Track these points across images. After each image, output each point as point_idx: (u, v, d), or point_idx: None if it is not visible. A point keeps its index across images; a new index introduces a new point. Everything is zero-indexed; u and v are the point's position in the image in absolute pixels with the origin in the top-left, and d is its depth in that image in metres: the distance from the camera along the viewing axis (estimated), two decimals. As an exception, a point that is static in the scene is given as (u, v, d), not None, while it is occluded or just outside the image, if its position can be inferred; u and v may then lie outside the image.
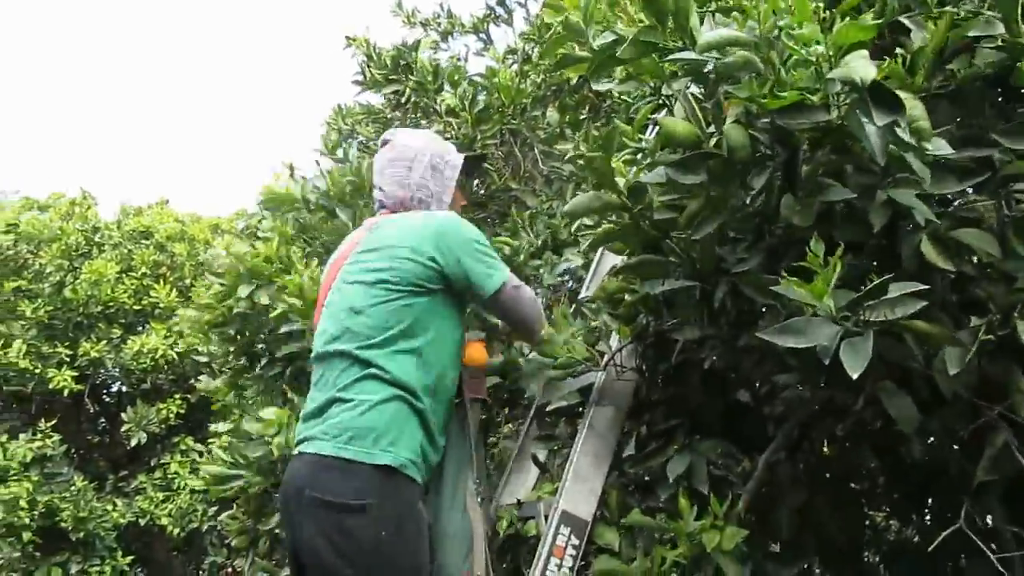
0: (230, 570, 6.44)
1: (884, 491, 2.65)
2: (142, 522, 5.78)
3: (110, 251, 6.33)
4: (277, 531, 2.96)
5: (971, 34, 1.34)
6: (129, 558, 5.79)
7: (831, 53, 1.17)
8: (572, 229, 2.79)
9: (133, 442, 5.73)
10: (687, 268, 1.67)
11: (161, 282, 6.34)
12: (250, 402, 2.94)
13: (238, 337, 3.09)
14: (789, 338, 1.20)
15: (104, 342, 5.87)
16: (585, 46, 2.09)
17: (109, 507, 5.67)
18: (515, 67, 4.05)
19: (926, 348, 1.45)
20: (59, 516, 5.40)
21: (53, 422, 5.66)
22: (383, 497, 1.70)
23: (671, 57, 1.43)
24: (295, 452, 1.83)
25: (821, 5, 1.25)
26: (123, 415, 5.92)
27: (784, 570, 1.90)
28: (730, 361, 1.77)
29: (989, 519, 2.07)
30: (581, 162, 1.59)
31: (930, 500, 2.55)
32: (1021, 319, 1.32)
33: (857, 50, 1.15)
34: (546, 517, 2.03)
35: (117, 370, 5.98)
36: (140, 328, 6.32)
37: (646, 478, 2.15)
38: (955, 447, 1.98)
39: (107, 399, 6.97)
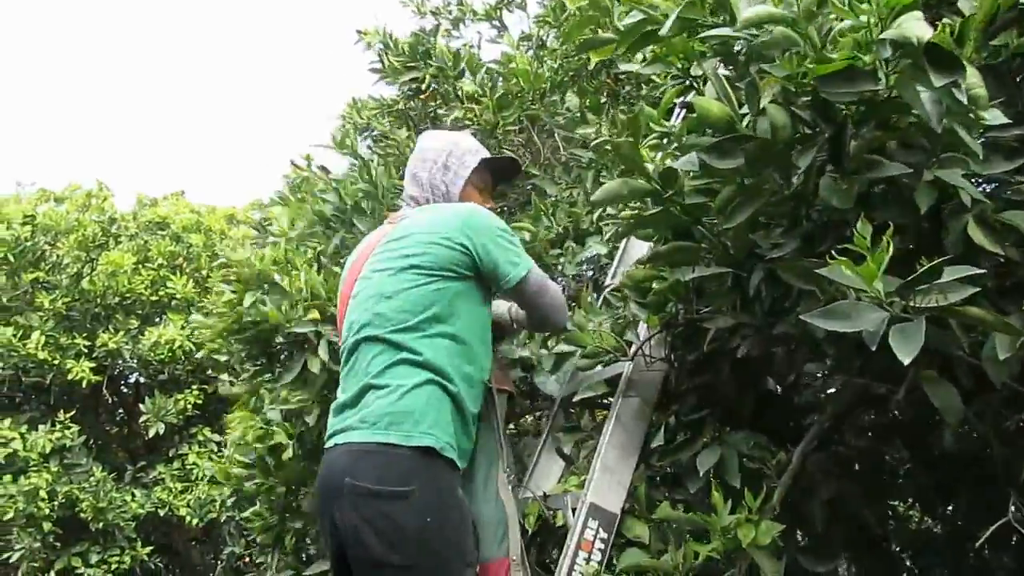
0: (247, 559, 6.46)
1: (911, 482, 2.60)
2: (161, 513, 5.79)
3: (127, 242, 6.33)
4: (307, 528, 2.93)
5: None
6: (148, 548, 5.81)
7: (882, 16, 1.10)
8: (594, 218, 2.73)
9: (151, 433, 5.73)
10: (720, 254, 1.61)
11: (178, 273, 6.34)
12: (269, 403, 2.90)
13: (254, 342, 3.04)
14: (835, 322, 1.14)
15: (122, 333, 5.87)
16: (610, 27, 2.04)
17: (128, 498, 5.68)
18: (530, 53, 3.98)
19: (973, 335, 1.40)
20: (79, 507, 5.42)
21: (72, 413, 5.67)
22: (425, 482, 1.68)
23: (706, 34, 1.38)
24: (330, 444, 1.80)
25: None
26: (141, 406, 5.92)
27: (819, 565, 1.85)
28: (763, 350, 1.71)
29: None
30: (608, 147, 1.54)
31: (958, 493, 2.50)
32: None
33: (909, 12, 1.09)
34: (573, 510, 2.00)
35: (135, 361, 5.98)
36: (157, 319, 6.33)
37: (670, 470, 2.11)
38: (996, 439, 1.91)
39: (125, 390, 6.98)
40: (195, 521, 5.82)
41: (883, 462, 2.56)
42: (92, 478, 5.51)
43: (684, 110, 2.18)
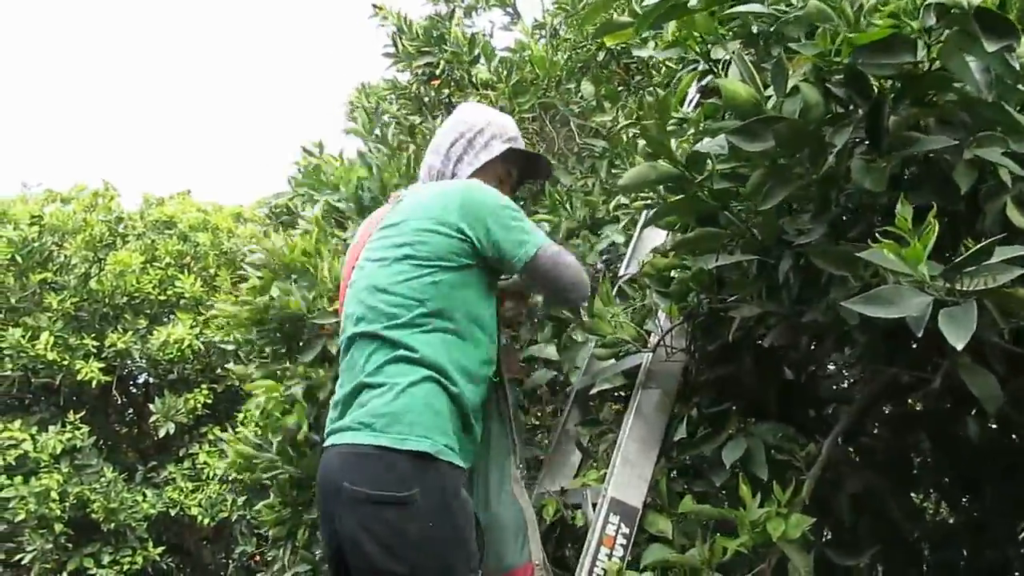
0: (258, 558, 6.45)
1: (930, 473, 2.55)
2: (172, 512, 5.77)
3: (134, 242, 6.31)
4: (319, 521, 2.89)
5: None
6: (160, 548, 5.79)
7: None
8: (611, 207, 2.69)
9: (161, 433, 5.71)
10: (746, 241, 1.56)
11: (185, 272, 6.32)
12: (286, 391, 2.85)
13: (278, 332, 2.99)
14: (878, 308, 1.09)
15: (130, 333, 5.85)
16: (628, 11, 1.99)
17: (139, 498, 5.66)
18: (543, 42, 3.94)
19: (1013, 320, 1.35)
20: (90, 507, 5.41)
21: (81, 414, 5.65)
22: (425, 486, 1.61)
23: (737, 9, 1.33)
24: (327, 443, 1.74)
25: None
26: (151, 406, 5.90)
27: (847, 558, 1.81)
28: (790, 339, 1.66)
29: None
30: (629, 134, 1.49)
31: (980, 485, 2.46)
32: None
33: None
34: (594, 505, 1.96)
35: (144, 361, 5.96)
36: (166, 318, 6.30)
37: (689, 462, 2.06)
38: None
39: (135, 390, 6.97)
40: (206, 520, 5.80)
41: (907, 454, 2.51)
42: (103, 479, 5.49)
43: (699, 95, 2.13)
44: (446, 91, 3.65)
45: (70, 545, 5.45)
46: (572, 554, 2.18)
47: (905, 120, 1.30)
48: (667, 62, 2.56)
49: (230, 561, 6.70)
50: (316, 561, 2.72)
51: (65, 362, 5.55)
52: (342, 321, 1.89)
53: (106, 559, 5.49)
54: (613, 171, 3.02)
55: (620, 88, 3.62)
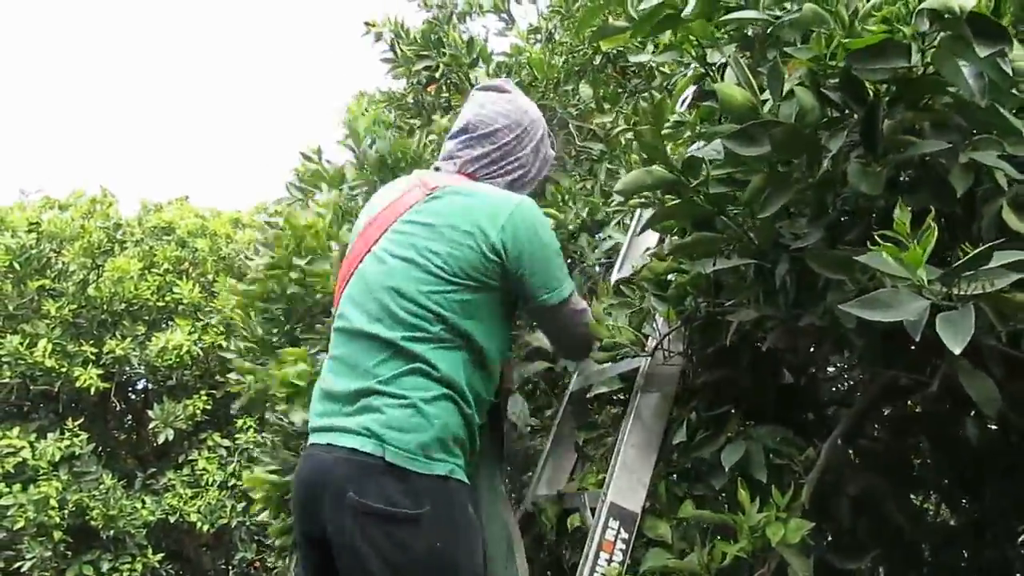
0: (257, 564, 6.44)
1: (931, 475, 2.55)
2: (172, 519, 5.77)
3: (132, 248, 6.31)
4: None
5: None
6: (160, 555, 5.78)
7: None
8: (610, 210, 2.69)
9: (160, 439, 5.71)
10: (743, 245, 1.56)
11: (184, 278, 6.31)
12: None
13: (283, 318, 2.95)
14: (875, 312, 1.09)
15: (129, 339, 5.85)
16: (623, 15, 1.99)
17: (138, 504, 5.66)
18: (539, 46, 3.94)
19: (1011, 324, 1.35)
20: (89, 515, 5.41)
21: (80, 421, 5.65)
22: (437, 505, 1.58)
23: (731, 16, 1.33)
24: (319, 440, 1.66)
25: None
26: (150, 412, 5.90)
27: (847, 562, 1.80)
28: (788, 343, 1.66)
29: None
30: (630, 135, 1.49)
31: (981, 487, 2.46)
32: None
33: (949, -19, 1.04)
34: (592, 510, 1.96)
35: (142, 367, 5.95)
36: (164, 325, 6.30)
37: (688, 466, 2.06)
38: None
39: (134, 396, 6.97)
40: (206, 527, 5.79)
41: (907, 456, 2.51)
42: (102, 486, 5.49)
43: (693, 99, 2.13)
44: (446, 94, 3.65)
45: (69, 553, 5.45)
46: (567, 560, 2.18)
47: (900, 124, 1.30)
48: (664, 66, 2.57)
49: (230, 568, 6.69)
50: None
51: (63, 369, 5.55)
52: (342, 304, 1.78)
53: (105, 566, 5.49)
54: (612, 173, 3.03)
55: (618, 91, 3.63)
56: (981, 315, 1.37)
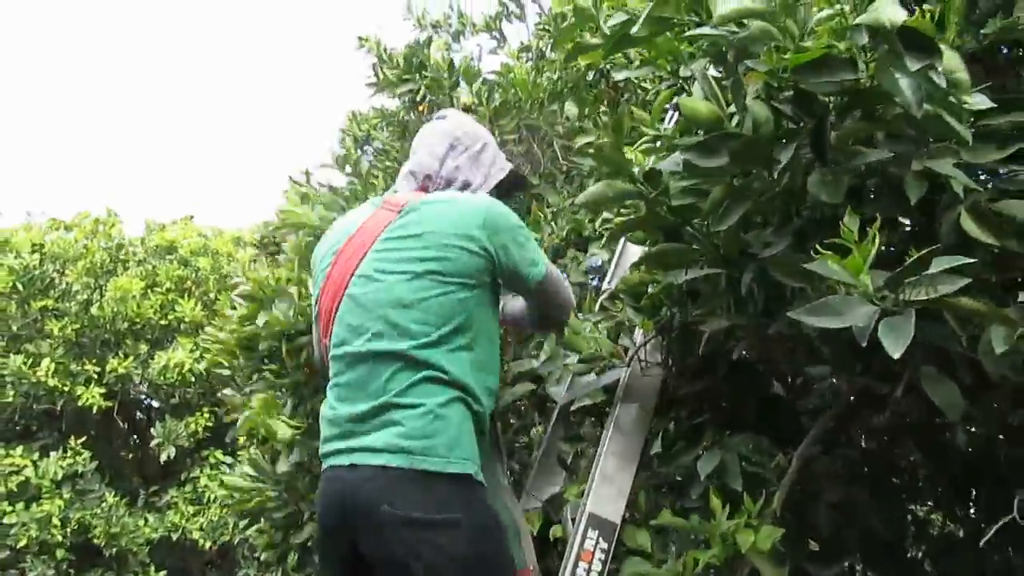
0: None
1: (928, 484, 2.55)
2: (174, 536, 5.78)
3: (135, 267, 6.37)
4: (308, 544, 2.91)
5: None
6: (162, 573, 5.80)
7: (857, 2, 1.09)
8: (596, 224, 2.72)
9: (163, 457, 5.74)
10: (711, 255, 1.58)
11: (186, 297, 6.36)
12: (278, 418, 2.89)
13: (265, 358, 3.03)
14: (824, 319, 1.11)
15: (131, 358, 5.89)
16: (598, 32, 2.03)
17: (141, 522, 5.68)
18: (530, 64, 3.99)
19: (969, 329, 1.36)
20: (92, 533, 5.43)
21: (83, 439, 5.69)
22: (467, 508, 1.60)
23: (688, 34, 1.36)
24: (340, 462, 1.66)
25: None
26: (152, 430, 5.93)
27: (825, 570, 1.81)
28: (759, 351, 1.68)
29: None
30: (591, 151, 1.52)
31: (975, 493, 2.45)
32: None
33: (885, -4, 1.07)
34: (573, 520, 1.97)
35: (145, 385, 5.99)
36: (167, 343, 6.34)
37: (678, 477, 2.07)
38: (1001, 436, 1.87)
39: (139, 415, 7.00)
40: (208, 544, 5.80)
41: (895, 465, 2.51)
42: (104, 504, 5.52)
43: (676, 112, 2.16)
44: (430, 116, 3.71)
45: (72, 571, 5.47)
46: (553, 565, 2.19)
47: (854, 134, 1.33)
48: (645, 81, 2.60)
49: (233, 585, 6.69)
50: (310, 582, 2.74)
51: (66, 388, 5.59)
52: (336, 331, 1.79)
53: (108, 584, 5.51)
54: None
55: (609, 107, 3.67)
56: (941, 322, 1.40)
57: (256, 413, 2.68)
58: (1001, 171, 1.47)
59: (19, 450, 5.42)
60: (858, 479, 2.17)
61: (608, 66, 3.67)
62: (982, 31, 1.42)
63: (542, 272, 1.81)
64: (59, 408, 5.71)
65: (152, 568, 5.70)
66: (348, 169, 3.99)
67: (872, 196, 1.52)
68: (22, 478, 5.29)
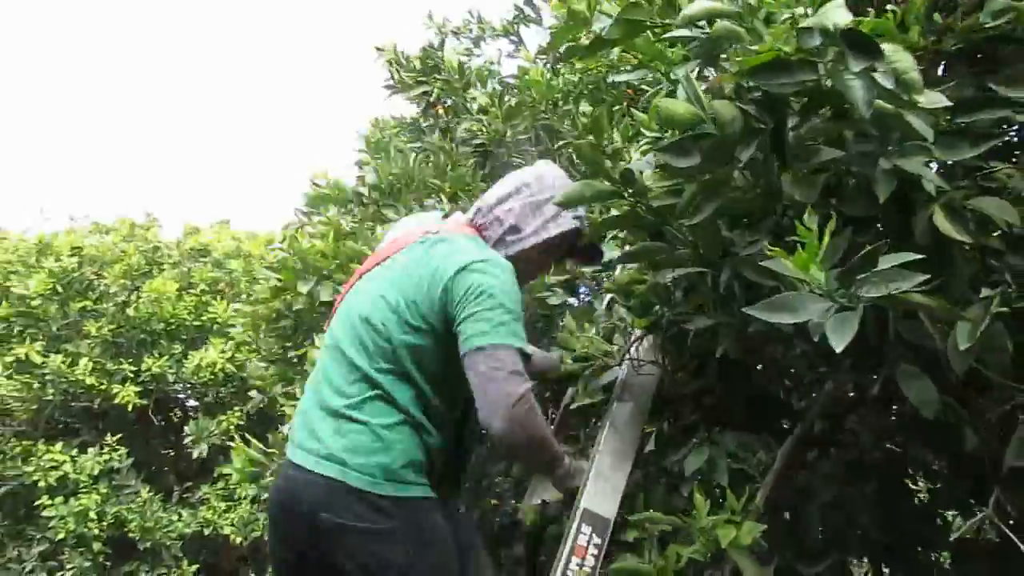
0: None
1: (947, 486, 2.52)
2: (206, 532, 5.92)
3: (170, 270, 6.54)
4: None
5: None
6: (195, 567, 5.94)
7: (807, 5, 1.11)
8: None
9: (195, 454, 5.88)
10: (692, 254, 1.61)
11: (219, 298, 6.51)
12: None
13: (291, 334, 3.13)
14: (779, 315, 1.14)
15: (165, 358, 6.05)
16: (590, 34, 2.06)
17: (174, 517, 5.82)
18: (548, 66, 4.03)
19: (940, 326, 1.37)
20: (127, 527, 5.58)
21: (119, 436, 5.86)
22: (405, 521, 1.69)
23: (665, 36, 1.39)
24: (294, 459, 1.77)
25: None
26: (186, 428, 6.08)
27: (812, 567, 1.81)
28: (743, 350, 1.70)
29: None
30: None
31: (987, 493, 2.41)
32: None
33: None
34: (568, 516, 2.00)
35: (179, 385, 6.16)
36: (201, 344, 6.50)
37: (676, 470, 2.09)
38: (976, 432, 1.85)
39: (179, 412, 7.17)
40: (240, 539, 5.93)
41: (903, 465, 2.48)
42: (139, 499, 5.67)
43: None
44: (445, 118, 3.77)
45: (108, 563, 5.63)
46: (547, 560, 2.22)
47: (825, 133, 1.34)
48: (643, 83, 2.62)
49: (264, 580, 6.82)
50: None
51: (103, 386, 5.76)
52: (333, 322, 1.90)
53: (143, 577, 5.67)
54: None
55: (628, 107, 3.69)
56: (918, 319, 1.40)
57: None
58: (979, 168, 1.48)
59: (59, 446, 5.61)
60: (857, 478, 2.17)
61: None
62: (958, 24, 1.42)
63: (474, 344, 1.65)
64: (97, 406, 5.88)
65: (185, 562, 5.84)
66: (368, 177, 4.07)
67: (851, 195, 1.53)
68: (61, 473, 5.47)
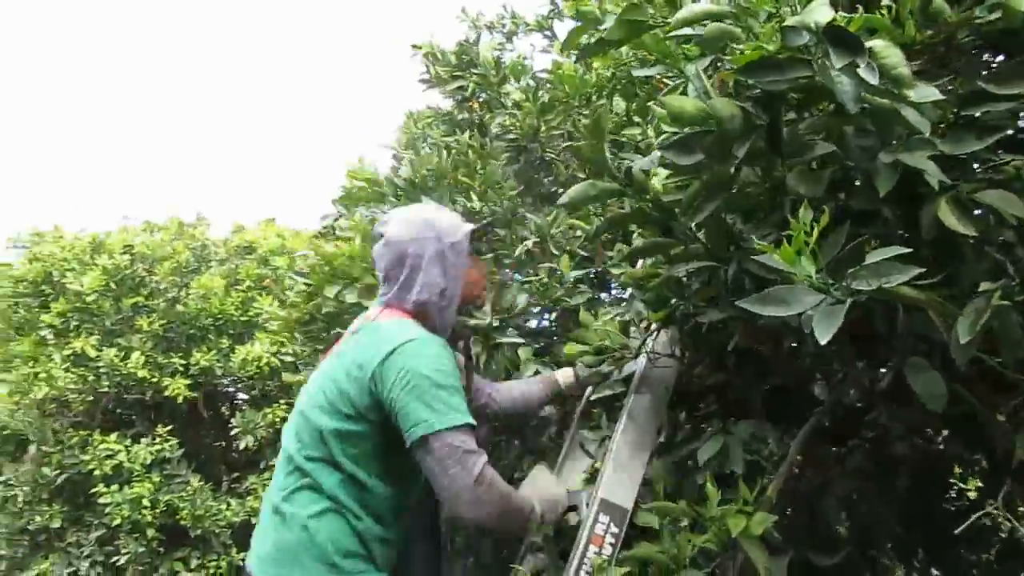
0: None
1: (991, 485, 2.49)
2: (253, 520, 6.09)
3: (217, 267, 6.72)
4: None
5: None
6: (243, 554, 6.11)
7: (801, 3, 1.13)
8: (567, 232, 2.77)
9: (241, 445, 6.04)
10: (701, 249, 1.63)
11: (264, 294, 6.67)
12: None
13: (323, 335, 3.22)
14: (770, 307, 1.16)
15: (213, 352, 6.22)
16: (596, 34, 2.09)
17: (223, 506, 5.99)
18: (578, 61, 4.04)
19: (945, 319, 1.37)
20: (179, 515, 5.77)
21: (170, 427, 6.05)
22: None
23: (667, 35, 1.41)
24: (249, 552, 1.88)
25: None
26: (233, 420, 6.25)
27: (826, 558, 1.82)
28: (753, 342, 1.72)
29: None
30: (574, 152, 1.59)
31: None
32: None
33: (821, -1, 1.11)
34: (587, 505, 2.04)
35: (226, 378, 6.33)
36: (248, 338, 6.66)
37: (691, 463, 2.11)
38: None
39: (223, 406, 7.38)
40: (284, 528, 6.08)
41: (941, 460, 2.45)
42: (190, 488, 5.86)
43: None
44: (480, 112, 3.81)
45: (162, 549, 5.83)
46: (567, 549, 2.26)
47: (826, 128, 1.36)
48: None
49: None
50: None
51: (155, 379, 5.96)
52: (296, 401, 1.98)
53: (194, 563, 5.85)
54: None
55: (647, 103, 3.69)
56: (922, 313, 1.40)
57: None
58: (988, 160, 1.47)
59: (113, 436, 5.82)
60: (884, 473, 2.16)
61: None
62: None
63: (418, 434, 1.67)
64: (149, 398, 6.09)
65: (234, 549, 6.01)
66: (403, 170, 4.15)
67: (859, 190, 1.53)
68: (116, 462, 5.68)
